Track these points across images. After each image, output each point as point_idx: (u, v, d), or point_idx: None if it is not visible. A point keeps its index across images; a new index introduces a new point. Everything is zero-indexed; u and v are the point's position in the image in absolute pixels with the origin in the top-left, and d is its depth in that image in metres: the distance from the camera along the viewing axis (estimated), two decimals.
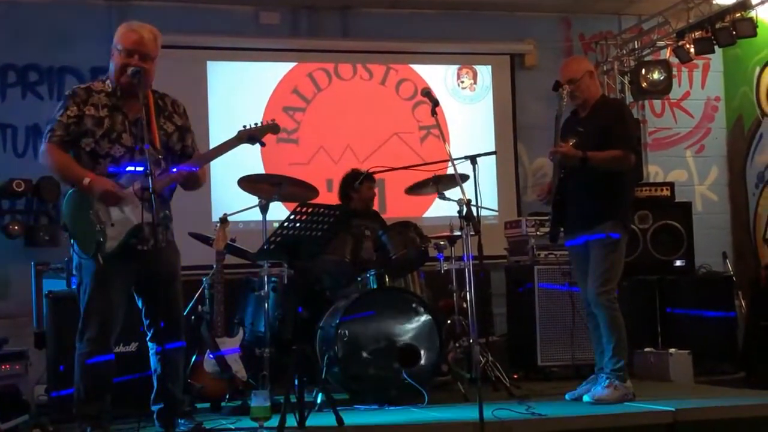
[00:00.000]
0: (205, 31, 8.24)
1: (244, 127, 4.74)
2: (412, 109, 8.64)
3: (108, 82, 4.64)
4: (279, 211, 6.54)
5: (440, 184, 6.19)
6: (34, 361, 6.00)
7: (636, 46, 9.03)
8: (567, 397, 5.64)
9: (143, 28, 4.61)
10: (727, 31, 7.77)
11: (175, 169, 4.57)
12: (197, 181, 4.74)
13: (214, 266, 5.81)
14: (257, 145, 4.78)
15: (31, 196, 7.57)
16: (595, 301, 5.45)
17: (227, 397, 5.59)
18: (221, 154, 4.75)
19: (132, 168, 4.45)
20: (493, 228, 7.98)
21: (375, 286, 6.04)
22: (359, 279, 6.17)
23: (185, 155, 4.73)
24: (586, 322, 5.76)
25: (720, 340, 7.72)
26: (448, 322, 6.55)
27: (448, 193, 6.10)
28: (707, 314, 7.72)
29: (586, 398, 5.45)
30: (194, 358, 5.65)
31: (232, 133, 4.75)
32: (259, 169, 7.75)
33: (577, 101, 5.65)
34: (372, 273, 6.09)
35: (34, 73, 7.91)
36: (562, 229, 5.71)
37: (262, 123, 4.79)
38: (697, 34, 8.03)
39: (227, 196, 7.27)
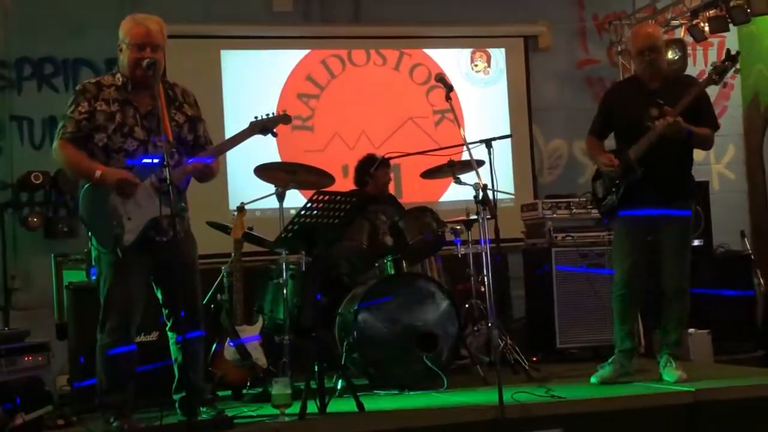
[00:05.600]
0: (219, 19, 8.23)
1: (256, 118, 4.76)
2: (426, 94, 8.63)
3: (118, 75, 4.64)
4: (296, 199, 6.58)
5: (456, 168, 6.19)
6: (56, 352, 6.03)
7: None
8: (592, 380, 5.50)
9: (148, 19, 4.61)
10: (742, 9, 7.68)
11: (190, 161, 4.59)
12: (211, 173, 4.74)
13: (233, 255, 5.84)
14: None
15: (50, 188, 7.63)
16: (680, 289, 5.37)
17: (248, 384, 5.62)
18: (234, 146, 4.77)
19: (149, 160, 4.46)
20: (510, 211, 7.95)
21: (392, 272, 6.06)
22: (377, 265, 6.19)
23: (197, 145, 4.74)
24: (610, 303, 5.65)
25: (739, 319, 7.70)
26: (466, 306, 6.57)
27: (463, 177, 6.12)
28: (726, 293, 7.69)
29: (667, 377, 5.35)
30: (215, 346, 5.68)
31: (247, 122, 4.77)
32: (275, 157, 7.75)
33: (653, 70, 5.39)
34: (389, 258, 6.10)
35: (50, 65, 7.92)
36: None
37: (274, 114, 4.80)
38: (711, 12, 7.95)
39: (244, 184, 7.29)
